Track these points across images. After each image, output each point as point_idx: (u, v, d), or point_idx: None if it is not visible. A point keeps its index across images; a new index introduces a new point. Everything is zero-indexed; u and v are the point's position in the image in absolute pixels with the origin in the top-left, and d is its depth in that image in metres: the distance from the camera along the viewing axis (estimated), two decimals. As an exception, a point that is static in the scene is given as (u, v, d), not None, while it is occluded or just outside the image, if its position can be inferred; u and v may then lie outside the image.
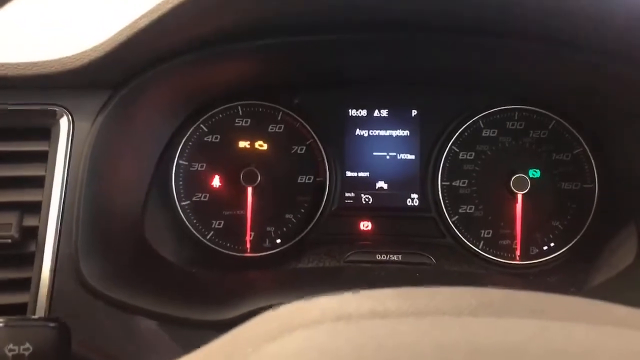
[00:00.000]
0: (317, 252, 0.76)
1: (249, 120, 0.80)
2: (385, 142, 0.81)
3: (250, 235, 0.78)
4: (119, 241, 0.64)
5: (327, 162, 0.80)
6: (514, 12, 0.56)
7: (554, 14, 0.54)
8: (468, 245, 0.78)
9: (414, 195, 0.80)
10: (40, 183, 0.58)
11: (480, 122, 0.79)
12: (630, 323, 0.26)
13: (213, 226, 0.78)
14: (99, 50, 0.56)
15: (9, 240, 0.56)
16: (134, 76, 0.59)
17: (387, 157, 0.81)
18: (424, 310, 0.25)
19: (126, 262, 0.63)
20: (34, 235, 0.57)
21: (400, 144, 0.81)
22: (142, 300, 0.59)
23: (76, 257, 0.57)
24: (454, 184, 0.80)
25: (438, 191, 0.79)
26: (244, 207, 0.77)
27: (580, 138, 0.78)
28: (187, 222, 0.78)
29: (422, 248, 0.75)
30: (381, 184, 0.81)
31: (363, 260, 0.71)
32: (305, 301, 0.27)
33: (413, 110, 0.81)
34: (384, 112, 0.81)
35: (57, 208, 0.58)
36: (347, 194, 0.81)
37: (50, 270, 0.56)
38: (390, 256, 0.71)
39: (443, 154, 0.79)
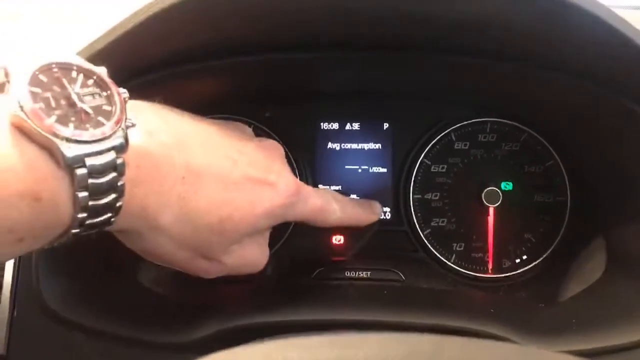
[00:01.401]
0: (288, 267, 0.76)
1: (220, 134, 0.79)
2: (357, 155, 0.81)
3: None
4: (83, 260, 0.63)
5: (299, 175, 0.79)
6: (486, 33, 0.56)
7: (526, 35, 0.54)
8: (440, 258, 0.78)
9: (386, 209, 0.80)
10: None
11: (452, 134, 0.79)
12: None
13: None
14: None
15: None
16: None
17: (359, 170, 0.81)
18: (351, 360, 0.25)
19: (91, 283, 0.62)
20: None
21: (372, 157, 0.81)
22: (108, 323, 0.58)
23: (36, 279, 0.56)
24: (426, 196, 0.79)
25: (410, 204, 0.79)
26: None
27: (552, 150, 0.78)
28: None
29: (393, 263, 0.74)
30: (353, 198, 0.80)
31: (332, 277, 0.71)
32: (230, 352, 0.26)
33: (385, 124, 0.80)
34: (356, 125, 0.81)
35: None
36: (319, 208, 0.80)
37: (11, 296, 0.56)
38: (360, 273, 0.71)
39: (415, 167, 0.79)
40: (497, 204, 0.76)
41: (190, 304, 0.67)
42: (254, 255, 0.58)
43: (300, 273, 0.73)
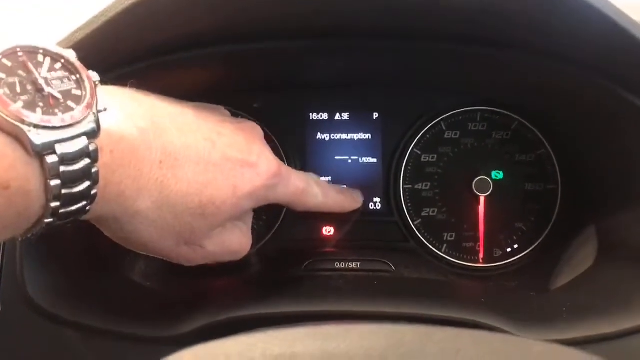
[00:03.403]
0: (278, 259, 0.75)
1: (208, 125, 0.78)
2: (347, 145, 0.80)
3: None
4: (67, 254, 0.63)
5: (289, 166, 0.78)
6: (479, 21, 0.55)
7: (519, 22, 0.54)
8: (431, 249, 0.77)
9: (377, 199, 0.80)
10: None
11: (442, 124, 0.78)
12: (547, 361, 0.25)
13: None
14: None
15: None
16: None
17: (349, 161, 0.80)
18: (332, 353, 0.24)
19: (76, 277, 0.61)
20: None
21: (362, 148, 0.80)
22: (95, 316, 0.57)
23: (21, 272, 0.55)
24: (416, 186, 0.79)
25: (400, 194, 0.78)
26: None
27: (542, 139, 0.77)
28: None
29: (384, 254, 0.74)
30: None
31: (322, 269, 0.70)
32: (210, 345, 0.26)
33: (374, 113, 0.80)
34: (345, 116, 0.80)
35: None
36: (309, 199, 0.79)
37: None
38: (349, 264, 0.70)
39: (405, 157, 0.78)
40: (488, 193, 0.76)
41: (179, 297, 0.66)
42: (236, 241, 0.57)
43: (290, 264, 0.73)
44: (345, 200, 0.69)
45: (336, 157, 0.80)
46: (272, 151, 0.57)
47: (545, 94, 0.69)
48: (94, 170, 0.39)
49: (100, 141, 0.40)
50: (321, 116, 0.80)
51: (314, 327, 0.27)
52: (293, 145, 0.79)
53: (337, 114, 0.80)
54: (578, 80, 0.59)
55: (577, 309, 0.59)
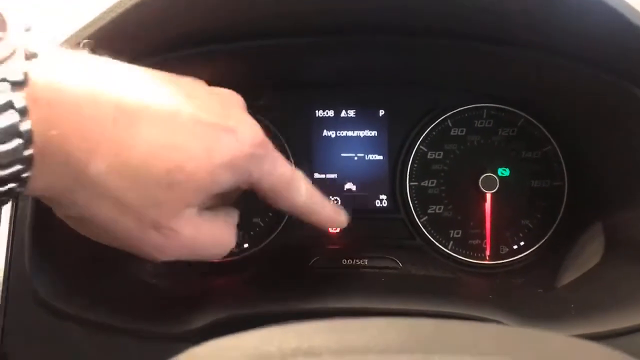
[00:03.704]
0: (284, 256, 0.75)
1: (214, 123, 0.78)
2: (353, 142, 0.80)
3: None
4: (76, 249, 0.62)
5: (295, 164, 0.78)
6: (483, 17, 0.55)
7: (523, 18, 0.54)
8: (437, 246, 0.77)
9: (383, 197, 0.79)
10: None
11: (449, 121, 0.78)
12: (569, 356, 0.25)
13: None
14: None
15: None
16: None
17: (355, 158, 0.80)
18: (350, 346, 0.24)
19: (82, 274, 0.61)
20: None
21: (368, 145, 0.80)
22: (101, 313, 0.57)
23: (29, 270, 0.55)
24: (422, 184, 0.79)
25: (406, 192, 0.78)
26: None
27: (549, 135, 0.77)
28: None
29: (391, 251, 0.74)
30: (349, 186, 0.80)
31: (329, 266, 0.70)
32: (224, 340, 0.26)
33: (380, 110, 0.80)
34: (351, 113, 0.80)
35: (8, 213, 0.56)
36: (315, 196, 0.79)
37: (3, 286, 0.55)
38: (357, 261, 0.70)
39: (411, 154, 0.78)
40: (494, 190, 0.76)
41: (186, 295, 0.66)
42: (218, 232, 0.48)
43: (296, 262, 0.72)
44: (330, 210, 0.56)
45: (342, 154, 0.80)
46: (256, 122, 0.48)
47: (553, 92, 0.68)
48: (23, 128, 0.32)
49: (32, 91, 0.33)
50: (327, 113, 0.80)
51: (330, 321, 0.26)
52: (299, 143, 0.79)
53: (343, 111, 0.80)
54: (588, 78, 0.59)
55: (583, 306, 0.59)
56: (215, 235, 0.48)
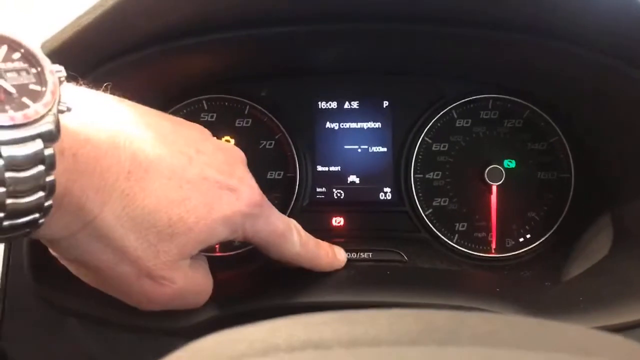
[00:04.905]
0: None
1: (215, 114, 0.77)
2: (356, 134, 0.79)
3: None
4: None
5: (297, 156, 0.77)
6: (490, 4, 0.54)
7: (530, 4, 0.53)
8: (442, 239, 0.76)
9: (387, 189, 0.78)
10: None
11: (454, 112, 0.77)
12: (586, 348, 0.24)
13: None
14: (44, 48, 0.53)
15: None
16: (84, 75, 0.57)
17: (359, 150, 0.79)
18: (360, 338, 0.23)
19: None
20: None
21: (372, 137, 0.79)
22: (102, 307, 0.57)
23: (28, 264, 0.54)
24: (427, 176, 0.78)
25: (411, 184, 0.77)
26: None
27: (555, 126, 0.76)
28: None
29: (396, 244, 0.73)
30: (353, 178, 0.79)
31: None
32: (232, 331, 0.25)
33: (384, 102, 0.78)
34: (355, 104, 0.79)
35: None
36: (318, 189, 0.78)
37: (2, 280, 0.54)
38: (361, 254, 0.69)
39: (416, 146, 0.77)
40: (500, 182, 0.74)
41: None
42: (202, 281, 0.50)
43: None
44: (325, 257, 0.60)
45: (345, 147, 0.79)
46: (254, 179, 0.51)
47: (559, 81, 0.67)
48: (48, 179, 0.34)
49: (60, 143, 0.35)
50: (330, 105, 0.79)
51: (339, 313, 0.26)
52: (301, 135, 0.78)
53: (347, 103, 0.79)
54: (596, 66, 0.58)
55: (593, 298, 0.58)
56: (200, 285, 0.50)
